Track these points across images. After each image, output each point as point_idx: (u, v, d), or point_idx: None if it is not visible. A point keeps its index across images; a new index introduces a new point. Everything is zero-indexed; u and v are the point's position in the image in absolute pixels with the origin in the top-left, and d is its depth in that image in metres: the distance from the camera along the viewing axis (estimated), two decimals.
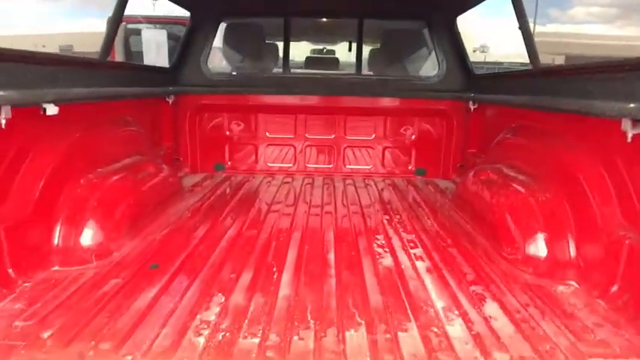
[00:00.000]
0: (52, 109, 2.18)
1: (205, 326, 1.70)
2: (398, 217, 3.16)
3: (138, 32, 6.17)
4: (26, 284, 2.01)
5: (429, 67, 4.49)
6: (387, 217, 3.13)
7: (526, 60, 3.44)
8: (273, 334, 1.66)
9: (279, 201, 3.47)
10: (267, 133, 4.42)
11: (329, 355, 1.55)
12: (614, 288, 1.92)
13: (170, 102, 4.03)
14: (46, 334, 1.64)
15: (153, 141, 3.69)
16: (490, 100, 3.75)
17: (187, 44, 4.23)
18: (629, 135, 1.79)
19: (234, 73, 4.66)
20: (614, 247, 1.93)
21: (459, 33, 4.22)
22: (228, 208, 3.27)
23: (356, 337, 1.65)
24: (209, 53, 4.28)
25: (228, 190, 3.81)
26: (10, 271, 1.99)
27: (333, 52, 6.33)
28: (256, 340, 1.62)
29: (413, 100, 4.28)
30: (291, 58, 4.53)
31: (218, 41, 4.46)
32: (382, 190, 3.91)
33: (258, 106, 4.33)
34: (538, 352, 1.58)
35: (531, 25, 3.68)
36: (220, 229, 2.81)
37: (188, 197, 3.52)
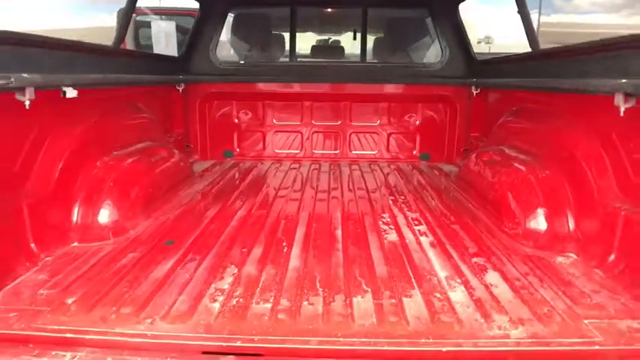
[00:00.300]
0: (71, 92, 2.28)
1: (220, 294, 1.81)
2: (403, 197, 3.25)
3: (147, 25, 6.26)
4: (48, 258, 2.13)
5: (432, 53, 4.55)
6: (392, 199, 3.22)
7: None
8: (284, 300, 1.76)
9: (286, 186, 3.57)
10: (275, 121, 4.51)
11: (337, 317, 1.65)
12: (612, 257, 2.00)
13: (180, 90, 4.13)
14: (69, 300, 1.75)
15: (164, 128, 3.79)
16: (492, 85, 3.82)
17: (196, 34, 4.32)
18: (622, 109, 1.87)
19: (242, 62, 4.75)
20: (611, 218, 2.01)
21: (461, 20, 4.29)
22: (237, 191, 3.37)
23: (363, 303, 1.75)
24: (217, 43, 4.38)
25: (237, 176, 3.91)
26: (32, 245, 2.10)
27: (338, 42, 6.41)
28: (268, 305, 1.72)
29: (416, 87, 4.35)
30: (297, 50, 4.61)
31: (226, 31, 4.55)
32: (387, 174, 3.99)
33: (266, 94, 4.42)
34: (536, 314, 1.67)
35: (536, 15, 3.77)
36: (231, 210, 2.91)
37: (199, 182, 3.62)
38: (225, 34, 4.53)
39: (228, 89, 4.38)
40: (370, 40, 4.84)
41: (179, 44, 5.79)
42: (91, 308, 1.70)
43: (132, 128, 3.16)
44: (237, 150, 4.54)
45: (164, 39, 5.60)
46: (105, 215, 2.45)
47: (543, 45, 3.49)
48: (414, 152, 4.54)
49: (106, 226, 2.42)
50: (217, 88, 4.35)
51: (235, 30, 4.74)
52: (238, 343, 1.48)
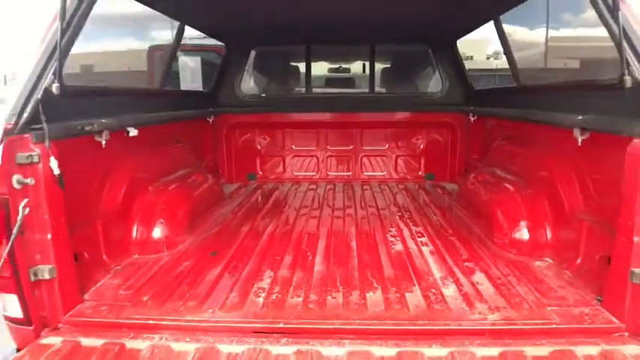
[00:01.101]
0: (133, 132, 2.81)
1: (261, 291, 2.29)
2: (408, 214, 3.72)
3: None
4: (117, 267, 2.63)
5: (434, 84, 5.06)
6: (400, 215, 3.70)
7: (533, 66, 3.95)
8: (313, 295, 2.24)
9: (306, 205, 4.05)
10: (293, 146, 5.03)
11: (354, 306, 2.12)
12: (578, 260, 2.45)
13: (210, 121, 4.67)
14: (145, 298, 2.25)
15: (197, 155, 4.31)
16: (486, 113, 4.29)
17: (223, 71, 4.88)
18: (579, 140, 2.34)
19: (264, 95, 5.29)
20: (578, 229, 2.47)
21: (458, 53, 4.79)
22: (264, 211, 3.87)
23: (373, 296, 2.22)
24: (242, 78, 4.93)
25: (261, 196, 4.41)
26: (104, 257, 2.60)
27: (348, 70, 6.95)
28: (300, 299, 2.20)
29: (420, 114, 4.86)
30: (312, 73, 5.13)
31: (249, 67, 5.10)
32: (396, 193, 4.47)
33: (285, 122, 4.95)
34: (510, 303, 2.12)
35: (544, 30, 4.15)
36: (261, 227, 3.41)
37: (229, 202, 4.13)
38: (248, 69, 5.07)
39: (251, 119, 4.92)
40: (378, 68, 5.36)
41: (204, 75, 6.36)
42: (162, 303, 2.19)
43: (173, 157, 3.68)
44: (260, 173, 5.05)
45: (190, 74, 6.20)
46: (158, 232, 2.95)
47: (550, 60, 3.89)
48: (420, 173, 5.01)
49: (160, 241, 2.92)
50: (242, 118, 4.89)
51: (257, 65, 5.28)
52: (281, 325, 1.96)
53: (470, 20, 4.23)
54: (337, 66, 7.00)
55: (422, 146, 5.00)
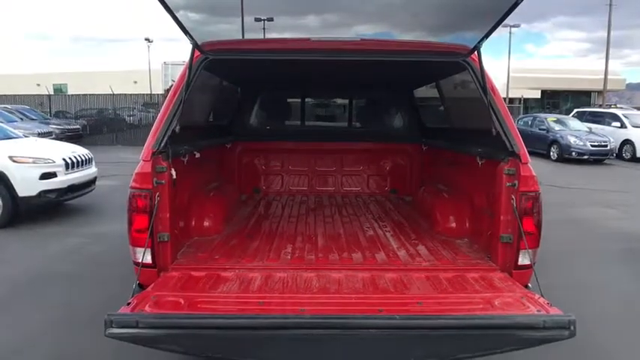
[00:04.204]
0: (197, 154, 4.22)
1: (288, 253, 3.75)
2: (377, 215, 5.23)
3: None
4: (187, 243, 4.00)
5: (397, 121, 6.67)
6: (371, 215, 5.20)
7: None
8: (320, 254, 3.71)
9: (303, 209, 5.51)
10: (290, 167, 6.51)
11: (345, 259, 3.60)
12: (482, 237, 3.98)
13: (228, 147, 6.10)
14: (216, 257, 3.65)
15: (220, 172, 5.73)
16: (433, 145, 5.89)
17: (238, 108, 6.36)
18: (479, 163, 3.91)
19: (268, 127, 6.78)
20: (482, 218, 4.00)
21: (415, 99, 6.43)
22: (273, 212, 5.32)
23: (356, 255, 3.72)
24: (251, 114, 6.42)
25: (266, 204, 5.84)
26: (181, 236, 3.97)
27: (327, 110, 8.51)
28: (312, 257, 3.67)
29: (387, 144, 6.44)
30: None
31: (257, 105, 6.60)
32: (368, 203, 5.97)
33: (284, 148, 6.44)
34: (437, 258, 3.64)
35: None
36: (275, 220, 4.86)
37: (245, 207, 5.55)
38: (257, 108, 6.57)
39: (258, 146, 6.39)
40: (355, 108, 6.94)
41: None
42: (229, 258, 3.59)
43: (210, 173, 5.10)
44: (263, 187, 6.49)
45: None
46: (208, 222, 4.33)
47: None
48: (386, 188, 6.55)
49: (209, 227, 4.30)
50: (250, 145, 6.35)
51: (263, 104, 6.77)
52: (303, 266, 3.41)
53: (419, 82, 5.90)
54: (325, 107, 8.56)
55: (387, 168, 6.56)
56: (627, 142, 19.95)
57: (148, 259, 3.31)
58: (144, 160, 3.29)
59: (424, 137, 6.21)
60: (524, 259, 3.35)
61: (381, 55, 3.68)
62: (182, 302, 2.71)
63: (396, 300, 2.85)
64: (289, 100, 6.88)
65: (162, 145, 3.33)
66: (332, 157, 6.52)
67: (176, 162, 3.62)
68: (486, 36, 3.26)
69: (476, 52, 3.45)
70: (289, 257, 3.66)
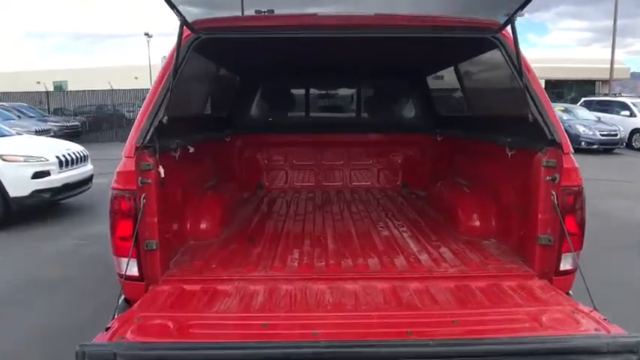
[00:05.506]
0: (191, 149, 3.78)
1: (295, 260, 3.31)
2: (391, 212, 4.78)
3: None
4: (182, 249, 3.57)
5: (409, 110, 6.20)
6: (384, 213, 4.76)
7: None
8: (331, 261, 3.27)
9: (310, 207, 5.07)
10: (294, 161, 6.06)
11: (360, 266, 3.16)
12: (512, 238, 3.54)
13: (227, 141, 5.65)
14: (213, 265, 3.22)
15: (220, 168, 5.29)
16: (450, 134, 5.42)
17: (238, 99, 5.89)
18: (509, 154, 3.45)
19: (270, 119, 6.31)
20: (510, 216, 3.56)
21: (428, 86, 5.95)
22: (277, 211, 4.88)
23: (372, 261, 3.27)
24: (252, 104, 5.96)
25: (270, 202, 5.40)
26: (174, 241, 3.55)
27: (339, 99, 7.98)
28: (323, 263, 3.23)
29: (398, 135, 5.97)
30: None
31: (259, 95, 6.13)
32: (378, 199, 5.53)
33: (287, 141, 5.99)
34: (464, 263, 3.19)
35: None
36: (279, 221, 4.42)
37: (247, 205, 5.12)
38: (258, 99, 6.11)
39: (260, 139, 5.93)
40: (363, 97, 6.47)
41: None
42: (226, 268, 3.16)
43: (207, 169, 4.66)
44: (267, 183, 6.05)
45: None
46: (205, 224, 3.90)
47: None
48: (398, 182, 6.10)
49: (207, 230, 3.87)
50: (252, 138, 5.90)
51: (265, 95, 6.30)
52: (313, 276, 2.98)
53: (436, 66, 5.41)
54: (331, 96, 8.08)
55: (399, 161, 6.11)
56: (637, 130, 19.45)
57: (134, 270, 2.91)
58: (126, 157, 2.87)
59: (439, 127, 5.75)
60: (566, 264, 2.93)
61: (397, 32, 3.23)
62: (171, 326, 2.29)
63: (425, 318, 2.42)
64: (293, 88, 6.40)
65: (148, 138, 2.90)
66: (339, 150, 6.07)
67: (166, 158, 3.19)
68: (522, 7, 2.80)
69: (508, 28, 2.99)
70: (296, 265, 3.23)
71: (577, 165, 2.89)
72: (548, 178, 2.89)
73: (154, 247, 2.94)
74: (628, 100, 21.42)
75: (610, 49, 32.75)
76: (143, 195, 2.87)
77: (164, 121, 2.98)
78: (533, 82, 3.04)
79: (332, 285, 2.83)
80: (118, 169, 2.91)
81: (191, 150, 3.80)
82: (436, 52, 4.40)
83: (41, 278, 5.37)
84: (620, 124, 19.07)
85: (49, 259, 6.10)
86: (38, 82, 32.44)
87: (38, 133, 16.80)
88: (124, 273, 2.85)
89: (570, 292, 3.01)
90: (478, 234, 3.84)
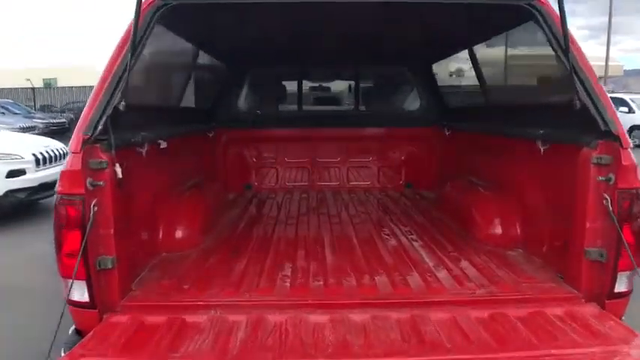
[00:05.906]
0: (163, 144, 3.19)
1: (286, 277, 2.73)
2: (395, 216, 4.20)
3: None
4: (151, 263, 2.98)
5: (412, 102, 5.61)
6: (388, 217, 4.18)
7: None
8: (331, 279, 2.69)
9: (303, 210, 4.49)
10: (286, 159, 5.47)
11: (367, 286, 2.58)
12: (543, 249, 2.97)
13: (210, 136, 5.04)
14: (185, 286, 2.63)
15: (202, 166, 4.69)
16: (459, 128, 4.84)
17: (223, 89, 5.29)
18: (542, 150, 2.88)
19: (259, 111, 5.70)
20: (542, 224, 2.99)
21: (434, 75, 5.37)
22: (267, 215, 4.30)
23: (381, 279, 2.69)
24: (239, 96, 5.35)
25: (259, 204, 4.81)
26: (139, 255, 2.96)
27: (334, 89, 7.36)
28: (320, 283, 2.65)
29: (400, 129, 5.39)
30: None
31: (246, 85, 5.52)
32: (379, 200, 4.96)
33: (278, 136, 5.39)
34: (492, 281, 2.62)
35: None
36: (269, 228, 3.83)
37: (234, 208, 4.52)
38: (246, 88, 5.50)
39: (247, 134, 5.33)
40: (362, 88, 5.87)
41: None
42: (203, 290, 2.57)
43: (186, 168, 4.06)
44: (255, 183, 5.45)
45: None
46: (180, 233, 3.32)
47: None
48: (400, 182, 5.51)
49: (183, 240, 3.29)
50: (239, 133, 5.30)
51: (253, 84, 5.69)
52: (309, 301, 2.39)
53: (445, 49, 4.81)
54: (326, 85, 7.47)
55: (402, 158, 5.52)
56: (636, 127, 18.88)
57: (85, 296, 2.32)
58: (73, 153, 2.28)
59: (447, 119, 5.16)
60: (621, 285, 2.37)
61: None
62: None
63: None
64: (285, 76, 5.78)
65: (100, 129, 2.31)
66: (336, 146, 5.48)
67: (127, 154, 2.60)
68: None
69: None
70: (288, 285, 2.64)
71: (636, 162, 2.33)
72: (601, 178, 2.32)
73: (110, 266, 2.36)
74: (626, 97, 20.87)
75: (605, 47, 32.38)
76: (94, 201, 2.28)
77: (121, 107, 2.39)
78: (580, 60, 2.46)
79: (333, 315, 2.25)
80: (62, 168, 2.33)
81: (163, 145, 3.20)
82: (457, 26, 3.76)
83: (5, 286, 4.79)
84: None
85: (17, 265, 5.51)
86: (28, 79, 31.83)
87: (23, 130, 16.22)
88: (73, 299, 2.30)
89: (623, 317, 2.45)
90: (502, 243, 3.27)
